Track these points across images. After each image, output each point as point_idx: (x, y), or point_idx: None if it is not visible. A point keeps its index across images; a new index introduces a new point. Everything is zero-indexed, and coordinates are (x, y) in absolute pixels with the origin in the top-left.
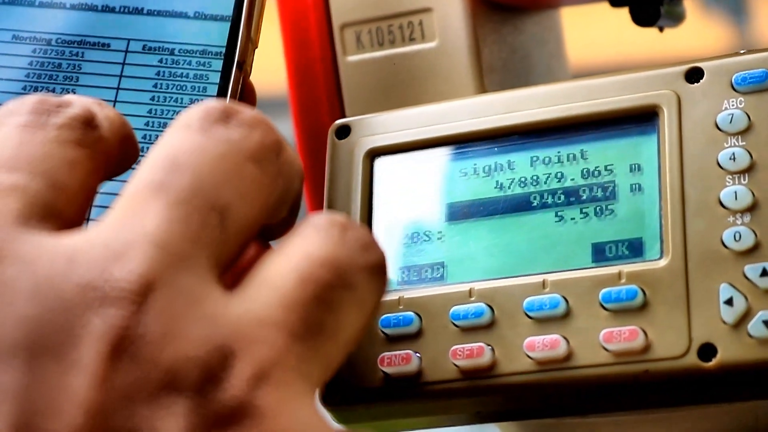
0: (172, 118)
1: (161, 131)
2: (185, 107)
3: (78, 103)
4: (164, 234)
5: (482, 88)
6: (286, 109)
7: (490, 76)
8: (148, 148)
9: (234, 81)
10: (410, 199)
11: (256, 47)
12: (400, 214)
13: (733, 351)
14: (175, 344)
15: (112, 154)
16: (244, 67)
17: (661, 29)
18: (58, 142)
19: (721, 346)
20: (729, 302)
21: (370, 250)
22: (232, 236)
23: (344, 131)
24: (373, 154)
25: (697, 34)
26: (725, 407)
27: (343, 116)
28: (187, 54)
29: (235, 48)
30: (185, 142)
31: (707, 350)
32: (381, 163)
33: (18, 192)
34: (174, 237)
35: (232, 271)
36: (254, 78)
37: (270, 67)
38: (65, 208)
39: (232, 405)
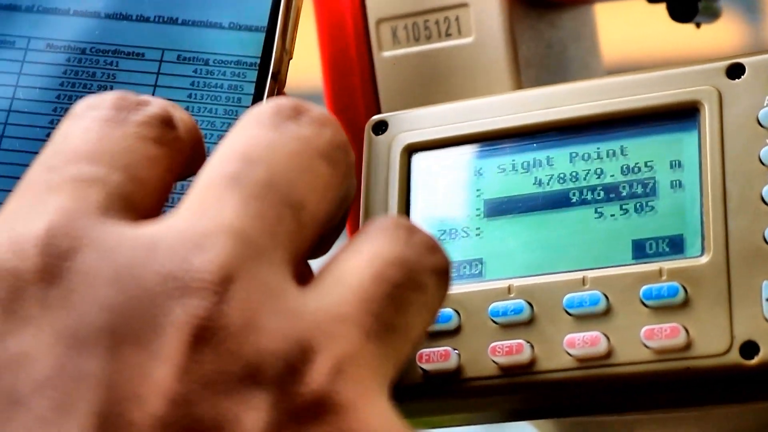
0: (207, 129)
1: (207, 144)
2: (219, 118)
3: (156, 102)
4: (242, 226)
5: (519, 84)
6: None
7: (527, 71)
8: None
9: (269, 92)
10: (448, 195)
11: (291, 58)
12: (438, 210)
13: None
14: (255, 336)
15: (187, 154)
16: (279, 78)
17: (698, 25)
18: (138, 137)
19: (764, 344)
20: None
21: (436, 252)
22: (304, 232)
23: (381, 127)
24: (411, 149)
25: (710, 32)
26: (762, 405)
27: (379, 112)
28: (222, 64)
29: (270, 59)
30: (258, 137)
31: (750, 348)
32: (418, 159)
33: (99, 183)
34: (252, 230)
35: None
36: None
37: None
38: (144, 202)
39: (312, 399)
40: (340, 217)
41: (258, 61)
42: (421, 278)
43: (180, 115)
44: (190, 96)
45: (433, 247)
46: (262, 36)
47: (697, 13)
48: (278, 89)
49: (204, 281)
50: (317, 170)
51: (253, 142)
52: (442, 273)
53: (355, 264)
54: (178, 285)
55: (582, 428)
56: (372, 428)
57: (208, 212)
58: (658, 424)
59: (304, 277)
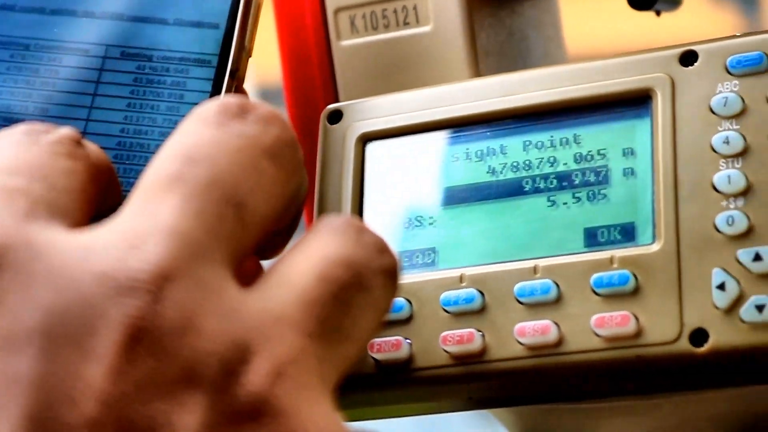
0: (149, 126)
1: (147, 140)
2: (161, 114)
3: (65, 127)
4: (181, 225)
5: (477, 72)
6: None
7: (486, 60)
8: (141, 155)
9: (227, 89)
10: (402, 185)
11: (250, 56)
12: (392, 199)
13: (725, 336)
14: (192, 337)
15: (102, 177)
16: (238, 75)
17: (658, 13)
18: (52, 153)
19: (713, 332)
20: (721, 287)
21: (385, 253)
22: (247, 231)
23: (336, 116)
24: (365, 138)
25: (706, 23)
26: (718, 393)
27: (337, 101)
28: (166, 61)
29: (228, 56)
30: (202, 135)
31: (699, 335)
32: (373, 148)
33: (22, 193)
34: (191, 228)
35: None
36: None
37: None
38: (69, 210)
39: (250, 401)
40: (291, 216)
41: (211, 58)
42: (368, 279)
43: (86, 141)
44: (132, 92)
45: (381, 248)
46: (218, 33)
47: (657, 1)
48: (237, 87)
49: (139, 281)
50: (262, 168)
51: (196, 140)
52: (390, 274)
53: (301, 264)
54: (113, 285)
55: (541, 418)
56: (310, 431)
57: (146, 212)
58: (613, 412)
59: (256, 277)
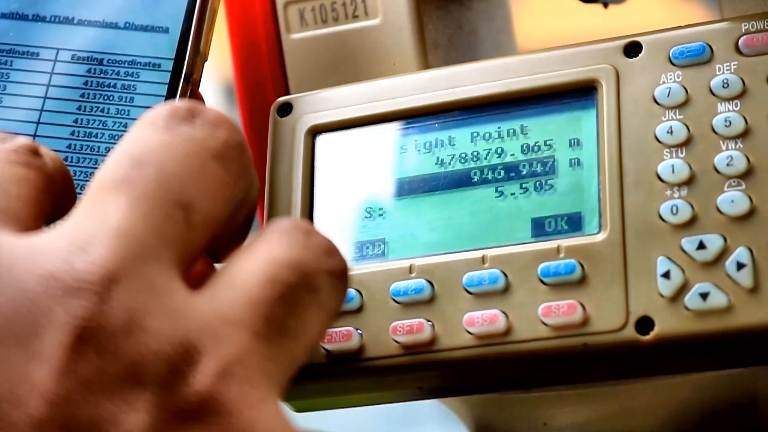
0: (99, 129)
1: (97, 143)
2: (112, 117)
3: (22, 137)
4: (128, 227)
5: (426, 65)
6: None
7: (435, 52)
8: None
9: (181, 93)
10: (352, 177)
11: (206, 60)
12: (342, 191)
13: (670, 324)
14: (138, 337)
15: (57, 186)
16: (192, 79)
17: (605, 5)
18: (6, 161)
19: (659, 319)
20: (666, 275)
21: (333, 255)
22: (195, 233)
23: (286, 109)
24: (315, 131)
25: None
26: (667, 380)
27: (288, 94)
28: (116, 64)
29: (183, 60)
30: (150, 139)
31: (645, 323)
32: (323, 141)
33: None
34: (138, 230)
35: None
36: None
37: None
38: (21, 216)
39: (195, 401)
40: (243, 218)
41: (163, 62)
42: (315, 280)
43: (46, 150)
44: (82, 96)
45: (329, 250)
46: (171, 37)
47: None
48: (192, 90)
49: (85, 281)
50: (210, 171)
51: (144, 144)
52: (339, 276)
53: (249, 266)
54: (59, 285)
55: (493, 408)
56: (257, 430)
57: (93, 215)
58: (566, 401)
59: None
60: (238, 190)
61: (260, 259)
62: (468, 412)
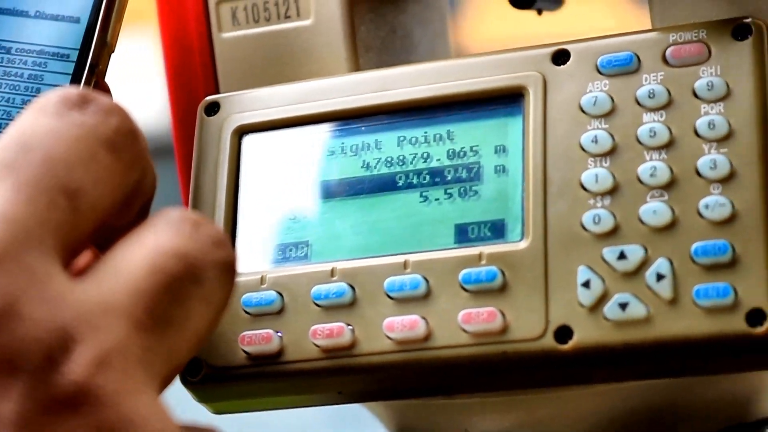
0: (3, 119)
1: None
2: (16, 107)
3: None
4: (9, 212)
5: (357, 67)
6: None
7: (367, 54)
8: None
9: (85, 83)
10: (277, 178)
11: (113, 51)
12: (267, 192)
13: (588, 333)
14: (15, 323)
15: None
16: (97, 70)
17: (539, 12)
18: None
19: (578, 329)
20: (586, 285)
21: (221, 247)
22: (82, 220)
23: (213, 108)
24: (242, 131)
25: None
26: (588, 389)
27: (219, 93)
28: (24, 53)
29: (89, 50)
30: (39, 124)
31: (564, 332)
32: (249, 141)
33: None
34: (20, 215)
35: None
36: None
37: None
38: None
39: (69, 390)
40: (137, 209)
41: (71, 52)
42: (202, 271)
43: None
44: None
45: (218, 241)
46: (79, 27)
47: (536, 0)
48: (97, 81)
49: None
50: (100, 158)
51: (32, 129)
52: (227, 268)
53: (134, 255)
54: None
55: (415, 413)
56: (132, 422)
57: None
58: (488, 408)
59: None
60: (129, 179)
61: (145, 248)
62: (390, 416)
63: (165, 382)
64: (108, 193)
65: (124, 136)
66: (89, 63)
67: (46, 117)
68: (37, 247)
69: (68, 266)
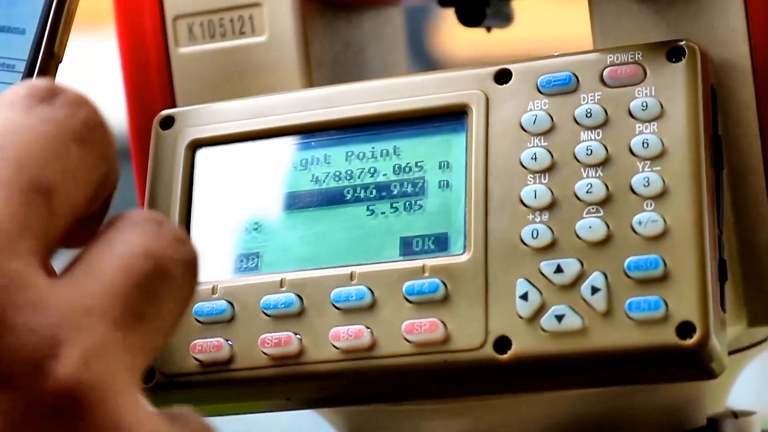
0: None
1: None
2: None
3: None
4: None
5: (310, 83)
6: None
7: (320, 70)
8: None
9: None
10: (229, 191)
11: (60, 61)
12: (219, 205)
13: (526, 344)
14: (1, 332)
15: None
16: None
17: (488, 29)
18: None
19: (516, 339)
20: (524, 297)
21: (184, 244)
22: (57, 218)
23: (168, 122)
24: (195, 145)
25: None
26: (539, 396)
27: (176, 107)
28: None
29: (36, 61)
30: (8, 121)
31: (503, 343)
32: (203, 155)
33: None
34: None
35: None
36: None
37: None
38: None
39: (60, 395)
40: (101, 202)
41: (17, 63)
42: (169, 269)
43: None
44: None
45: (180, 239)
46: (25, 38)
47: (485, 17)
48: None
49: None
50: (70, 153)
51: (2, 126)
52: (191, 264)
53: (106, 256)
54: None
55: (365, 419)
56: (121, 421)
57: None
58: (436, 414)
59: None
60: (98, 172)
61: (116, 249)
62: (341, 422)
63: (142, 377)
64: (80, 188)
65: (93, 129)
66: (36, 74)
67: (14, 112)
68: (15, 251)
69: (46, 266)
